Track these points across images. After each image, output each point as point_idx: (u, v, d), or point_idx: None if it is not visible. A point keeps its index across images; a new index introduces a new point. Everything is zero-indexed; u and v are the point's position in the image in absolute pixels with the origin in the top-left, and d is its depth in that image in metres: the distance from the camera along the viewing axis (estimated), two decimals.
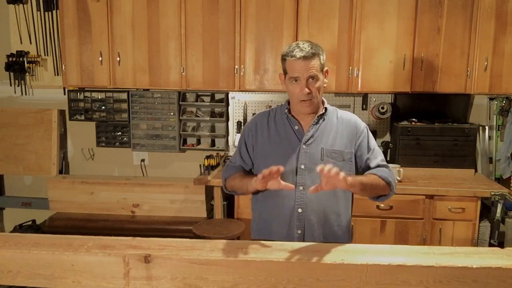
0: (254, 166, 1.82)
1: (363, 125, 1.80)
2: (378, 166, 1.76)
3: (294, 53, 1.62)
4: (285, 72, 1.70)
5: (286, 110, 1.76)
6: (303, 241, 1.68)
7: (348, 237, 1.79)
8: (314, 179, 1.67)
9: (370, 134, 1.81)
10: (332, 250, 1.45)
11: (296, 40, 3.04)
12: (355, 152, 1.76)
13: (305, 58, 1.61)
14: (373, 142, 1.80)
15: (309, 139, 1.71)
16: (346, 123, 1.77)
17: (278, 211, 1.72)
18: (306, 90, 1.63)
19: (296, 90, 1.65)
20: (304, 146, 1.71)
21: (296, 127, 1.74)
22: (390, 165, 2.98)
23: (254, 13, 3.07)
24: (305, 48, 1.62)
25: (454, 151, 3.14)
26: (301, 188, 1.69)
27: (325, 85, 1.71)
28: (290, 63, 1.65)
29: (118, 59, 3.21)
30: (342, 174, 1.41)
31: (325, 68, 1.70)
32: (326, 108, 1.75)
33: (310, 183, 1.67)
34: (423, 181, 3.00)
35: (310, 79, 1.63)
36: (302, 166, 1.69)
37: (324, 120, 1.74)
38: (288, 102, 1.78)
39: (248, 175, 1.74)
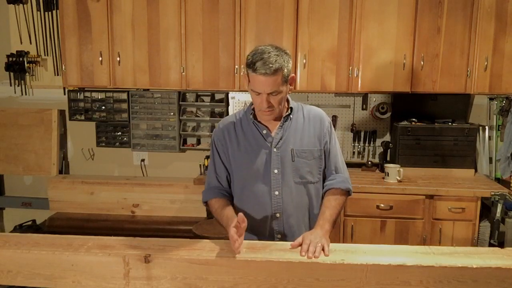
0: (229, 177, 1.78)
1: (327, 121, 1.77)
2: (336, 168, 1.76)
3: (256, 67, 1.54)
4: (248, 78, 1.63)
5: (251, 116, 1.72)
6: None
7: None
8: (288, 182, 1.69)
9: (333, 131, 1.79)
10: (332, 250, 1.45)
11: (296, 41, 3.05)
12: (323, 150, 1.76)
13: (266, 75, 1.53)
14: (335, 140, 1.79)
15: (278, 141, 1.69)
16: (312, 120, 1.75)
17: (257, 217, 1.72)
18: (265, 105, 1.59)
19: (257, 101, 1.62)
20: (275, 150, 1.69)
21: (264, 132, 1.71)
22: (390, 165, 3.02)
23: (254, 13, 3.07)
24: (269, 62, 1.53)
25: (454, 151, 3.14)
26: (276, 193, 1.69)
27: (289, 92, 1.67)
28: (252, 76, 1.57)
29: (118, 59, 3.21)
30: (317, 247, 1.44)
31: (291, 75, 1.63)
32: (291, 108, 1.73)
33: (285, 187, 1.69)
34: (423, 181, 3.00)
35: (272, 95, 1.59)
36: (276, 171, 1.68)
37: (290, 120, 1.72)
38: (252, 105, 1.73)
39: (222, 212, 1.68)
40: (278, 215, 1.70)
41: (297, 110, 1.75)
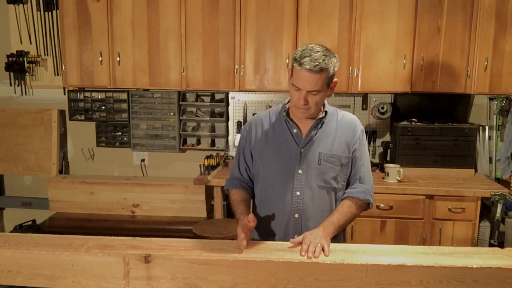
0: (254, 168, 1.79)
1: (360, 129, 1.75)
2: (360, 178, 1.73)
3: (302, 61, 1.53)
4: (292, 72, 1.64)
5: (284, 113, 1.72)
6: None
7: (341, 233, 1.78)
8: (311, 184, 1.67)
9: (364, 141, 1.77)
10: (332, 250, 1.45)
11: (296, 41, 3.06)
12: (351, 158, 1.73)
13: (311, 71, 1.52)
14: (364, 149, 1.76)
15: (307, 143, 1.68)
16: (345, 126, 1.73)
17: (274, 217, 1.71)
18: (302, 102, 1.58)
19: (295, 96, 1.61)
20: (302, 150, 1.68)
21: (295, 131, 1.70)
22: (390, 165, 3.02)
23: (254, 13, 3.07)
24: (316, 60, 1.53)
25: (454, 151, 3.14)
26: (298, 193, 1.67)
27: (329, 96, 1.66)
28: (296, 70, 1.56)
29: (118, 59, 3.21)
30: (317, 247, 1.44)
31: (334, 80, 1.62)
32: (326, 112, 1.71)
33: (308, 188, 1.67)
34: (423, 181, 3.00)
35: (311, 93, 1.58)
36: (300, 171, 1.67)
37: (323, 123, 1.70)
38: (288, 102, 1.75)
39: (238, 206, 1.71)
40: (297, 215, 1.68)
41: (332, 114, 1.74)
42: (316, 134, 1.69)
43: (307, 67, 1.52)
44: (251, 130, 1.78)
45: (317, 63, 1.52)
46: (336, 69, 1.60)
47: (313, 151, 1.68)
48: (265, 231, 1.73)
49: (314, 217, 1.68)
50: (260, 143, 1.74)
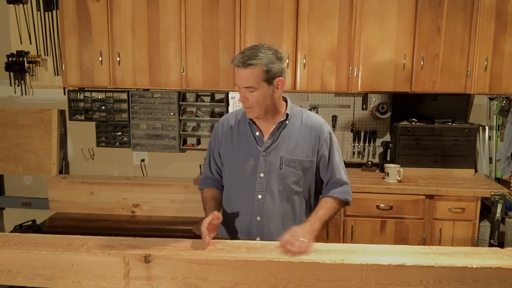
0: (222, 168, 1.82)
1: (326, 131, 1.72)
2: (339, 180, 1.74)
3: (234, 59, 1.57)
4: None
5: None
6: None
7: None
8: (272, 187, 1.67)
9: (334, 141, 1.74)
10: (332, 250, 1.45)
11: (296, 41, 3.06)
12: (317, 161, 1.72)
13: (239, 67, 1.55)
14: (335, 151, 1.74)
15: (268, 147, 1.68)
16: (310, 128, 1.71)
17: (239, 217, 1.72)
18: (242, 99, 1.61)
19: (239, 96, 1.63)
20: (263, 154, 1.67)
21: (257, 133, 1.70)
22: (390, 165, 3.02)
23: (254, 13, 3.07)
24: (246, 55, 1.54)
25: (454, 151, 3.14)
26: (259, 196, 1.68)
27: (276, 95, 1.63)
28: (235, 69, 1.60)
29: (118, 59, 3.21)
30: (303, 242, 1.43)
31: (278, 78, 1.59)
32: (287, 114, 1.69)
33: (269, 192, 1.67)
34: (423, 181, 3.00)
35: (248, 90, 1.58)
36: (261, 175, 1.67)
37: (285, 126, 1.69)
38: None
39: (206, 204, 1.74)
40: (258, 218, 1.70)
41: (296, 116, 1.72)
42: (277, 137, 1.68)
43: (236, 62, 1.55)
44: (218, 131, 1.79)
45: (245, 59, 1.53)
46: (276, 66, 1.57)
47: (275, 155, 1.67)
48: (231, 230, 1.76)
49: (274, 220, 1.69)
50: (226, 144, 1.75)
